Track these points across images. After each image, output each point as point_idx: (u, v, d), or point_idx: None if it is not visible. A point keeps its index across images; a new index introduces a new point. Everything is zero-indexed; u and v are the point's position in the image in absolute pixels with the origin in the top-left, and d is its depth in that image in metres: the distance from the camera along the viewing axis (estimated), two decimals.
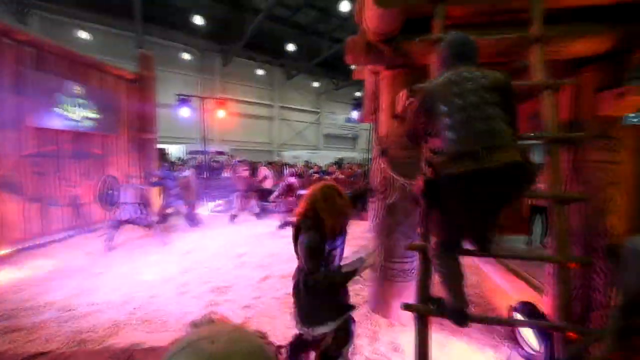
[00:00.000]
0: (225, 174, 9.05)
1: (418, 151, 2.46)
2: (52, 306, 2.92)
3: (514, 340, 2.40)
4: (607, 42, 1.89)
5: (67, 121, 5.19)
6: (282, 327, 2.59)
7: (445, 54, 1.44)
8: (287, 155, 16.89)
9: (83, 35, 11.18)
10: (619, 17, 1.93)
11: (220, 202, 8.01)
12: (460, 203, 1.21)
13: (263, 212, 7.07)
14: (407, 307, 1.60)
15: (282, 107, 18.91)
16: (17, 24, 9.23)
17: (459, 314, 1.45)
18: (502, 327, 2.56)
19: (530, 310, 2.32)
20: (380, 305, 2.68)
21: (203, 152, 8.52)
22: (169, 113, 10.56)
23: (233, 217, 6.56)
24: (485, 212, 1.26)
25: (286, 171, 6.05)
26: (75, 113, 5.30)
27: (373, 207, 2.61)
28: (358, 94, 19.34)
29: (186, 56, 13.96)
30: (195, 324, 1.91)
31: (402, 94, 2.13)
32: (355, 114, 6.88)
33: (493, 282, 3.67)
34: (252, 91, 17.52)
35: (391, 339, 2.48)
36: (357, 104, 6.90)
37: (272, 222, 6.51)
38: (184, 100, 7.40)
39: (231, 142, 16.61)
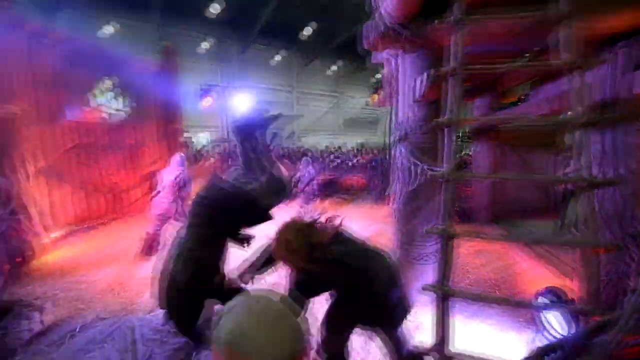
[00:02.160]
0: None
1: (437, 136, 2.45)
2: (105, 280, 3.28)
3: (538, 325, 2.40)
4: None
5: (103, 114, 5.55)
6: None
7: None
8: (307, 142, 16.92)
9: (108, 29, 11.61)
10: None
11: None
12: None
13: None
14: (428, 288, 1.66)
15: (301, 93, 18.80)
16: (48, 23, 9.72)
17: None
18: (526, 311, 2.56)
19: (557, 295, 2.31)
20: None
21: (227, 140, 8.78)
22: (192, 102, 10.90)
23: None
24: None
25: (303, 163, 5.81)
26: (108, 106, 5.64)
27: (394, 191, 2.64)
28: (378, 76, 18.74)
29: (205, 45, 14.14)
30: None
31: (423, 78, 2.10)
32: (374, 98, 6.72)
33: (520, 267, 3.63)
34: (270, 77, 17.51)
35: (411, 318, 2.56)
36: (377, 88, 6.72)
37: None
38: (205, 90, 7.59)
39: None
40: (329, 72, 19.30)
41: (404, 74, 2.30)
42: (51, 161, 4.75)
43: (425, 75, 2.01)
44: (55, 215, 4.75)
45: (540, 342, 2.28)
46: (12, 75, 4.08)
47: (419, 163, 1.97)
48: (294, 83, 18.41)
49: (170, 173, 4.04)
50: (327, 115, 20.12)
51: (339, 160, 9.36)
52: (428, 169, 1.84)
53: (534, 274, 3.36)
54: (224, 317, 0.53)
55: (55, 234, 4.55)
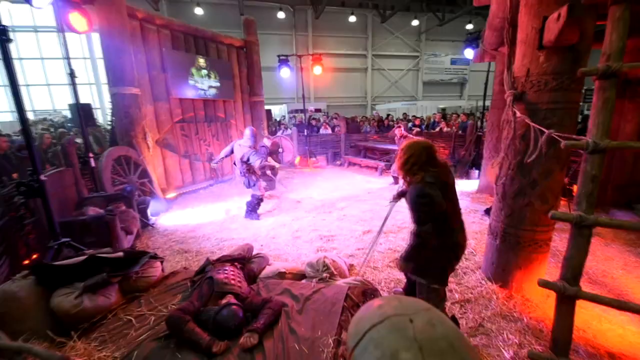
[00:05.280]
0: (323, 130, 9.36)
1: (570, 94, 1.88)
2: (208, 237, 3.84)
3: None
4: None
5: (198, 91, 6.18)
6: (386, 279, 2.67)
7: None
8: (382, 109, 16.02)
9: (198, 11, 12.67)
10: None
11: (318, 157, 8.46)
12: None
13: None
14: (546, 284, 1.35)
15: (376, 56, 17.52)
16: (151, 10, 11.05)
17: None
18: None
19: None
20: (498, 273, 2.41)
21: (302, 111, 8.92)
22: (269, 75, 11.31)
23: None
24: None
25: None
26: (203, 83, 6.24)
27: (498, 163, 2.22)
28: (470, 26, 15.96)
29: (281, 15, 14.21)
30: (311, 265, 2.07)
31: (559, 14, 1.57)
32: (468, 53, 5.67)
33: None
34: (344, 42, 16.74)
35: (509, 310, 2.24)
36: (472, 39, 5.63)
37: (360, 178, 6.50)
38: (283, 60, 7.68)
39: (325, 98, 16.79)
40: (409, 28, 17.28)
41: (528, 12, 1.77)
42: (163, 134, 5.62)
43: (565, 8, 1.49)
44: (169, 180, 5.71)
45: None
46: (132, 62, 4.80)
47: (543, 129, 1.54)
48: (369, 45, 17.22)
49: (241, 148, 4.23)
50: (404, 79, 18.46)
51: (419, 129, 8.59)
52: (558, 136, 1.42)
53: None
54: (368, 334, 0.40)
55: (169, 195, 5.51)
